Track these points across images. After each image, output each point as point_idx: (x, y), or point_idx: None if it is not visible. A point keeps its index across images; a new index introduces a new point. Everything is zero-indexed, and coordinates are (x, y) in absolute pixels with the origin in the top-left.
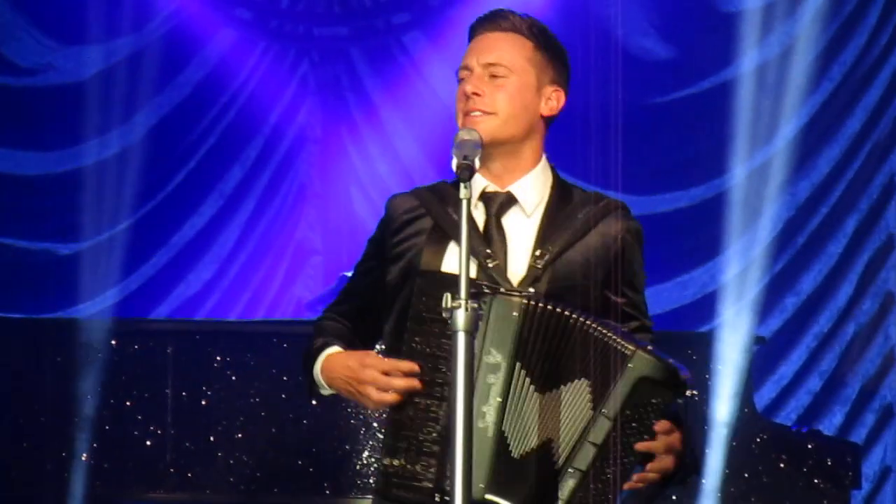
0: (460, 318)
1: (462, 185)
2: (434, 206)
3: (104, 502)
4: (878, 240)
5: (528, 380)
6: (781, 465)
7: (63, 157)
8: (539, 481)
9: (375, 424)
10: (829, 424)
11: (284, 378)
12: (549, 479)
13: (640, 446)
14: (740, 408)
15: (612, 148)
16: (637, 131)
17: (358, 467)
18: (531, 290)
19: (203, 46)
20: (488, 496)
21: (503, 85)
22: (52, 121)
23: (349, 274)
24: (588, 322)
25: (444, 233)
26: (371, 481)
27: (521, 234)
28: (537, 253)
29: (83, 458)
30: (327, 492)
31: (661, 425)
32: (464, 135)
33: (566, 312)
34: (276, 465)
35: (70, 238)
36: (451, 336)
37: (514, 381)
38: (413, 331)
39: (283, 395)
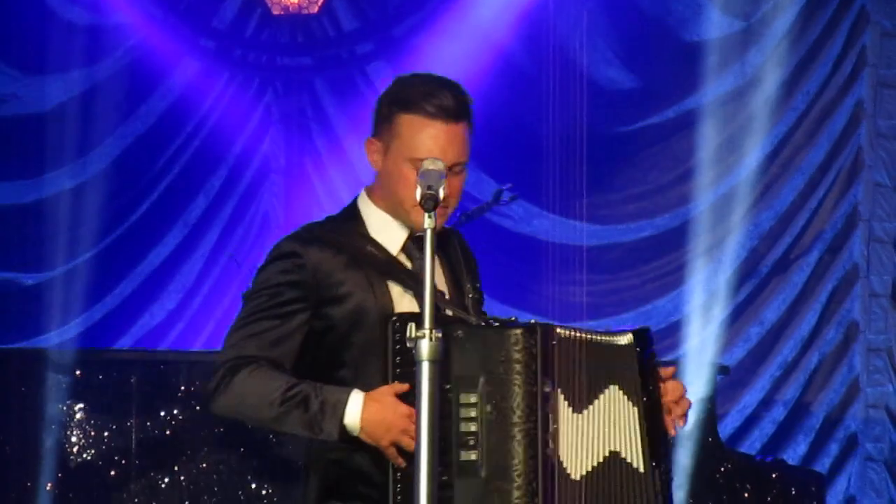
0: (425, 347)
1: (427, 214)
2: (353, 249)
3: None
4: (842, 269)
5: (566, 403)
6: (746, 495)
7: (28, 187)
8: (619, 492)
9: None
10: (794, 454)
11: None
12: (634, 484)
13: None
14: (704, 437)
15: (576, 177)
16: (601, 160)
17: None
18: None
19: (167, 76)
20: None
21: (461, 182)
22: (16, 151)
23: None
24: (596, 337)
25: (377, 274)
26: None
27: (438, 273)
28: (469, 285)
29: (48, 488)
30: None
31: (666, 372)
32: (428, 164)
33: (584, 335)
34: (241, 494)
35: (35, 268)
36: (416, 365)
37: (561, 407)
38: (406, 374)
39: (248, 425)
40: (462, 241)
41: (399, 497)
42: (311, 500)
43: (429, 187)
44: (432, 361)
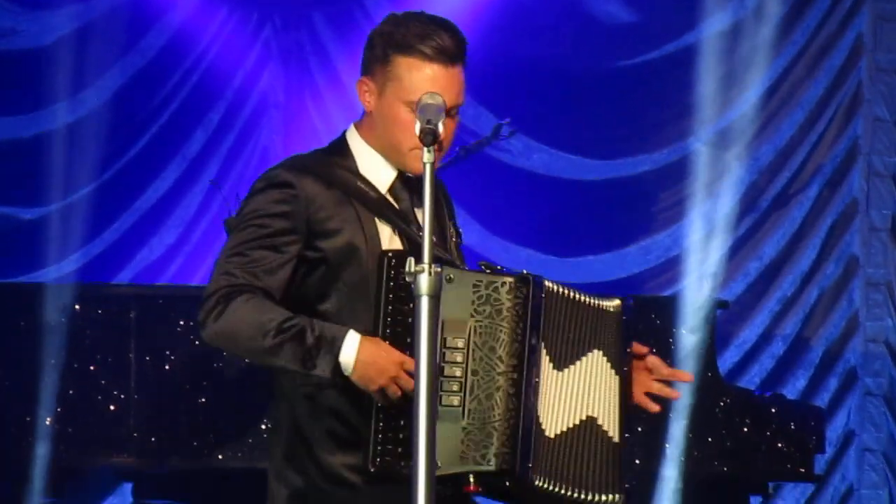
0: (424, 282)
1: (425, 149)
2: (344, 184)
3: (68, 466)
4: (841, 203)
5: (547, 358)
6: (745, 430)
7: (26, 122)
8: (590, 458)
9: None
10: (793, 389)
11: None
12: (606, 453)
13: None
14: (703, 372)
15: (575, 112)
16: (600, 95)
17: None
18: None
19: (166, 10)
20: (536, 479)
21: (454, 125)
22: (15, 85)
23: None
24: (584, 297)
25: (367, 211)
26: None
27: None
28: (452, 227)
29: (47, 423)
30: None
31: (640, 349)
32: (427, 98)
33: (572, 293)
34: (239, 429)
35: (33, 203)
36: (415, 300)
37: (543, 362)
38: (398, 311)
39: (246, 359)
40: (440, 182)
41: (380, 442)
42: (282, 436)
43: (428, 121)
44: (431, 296)
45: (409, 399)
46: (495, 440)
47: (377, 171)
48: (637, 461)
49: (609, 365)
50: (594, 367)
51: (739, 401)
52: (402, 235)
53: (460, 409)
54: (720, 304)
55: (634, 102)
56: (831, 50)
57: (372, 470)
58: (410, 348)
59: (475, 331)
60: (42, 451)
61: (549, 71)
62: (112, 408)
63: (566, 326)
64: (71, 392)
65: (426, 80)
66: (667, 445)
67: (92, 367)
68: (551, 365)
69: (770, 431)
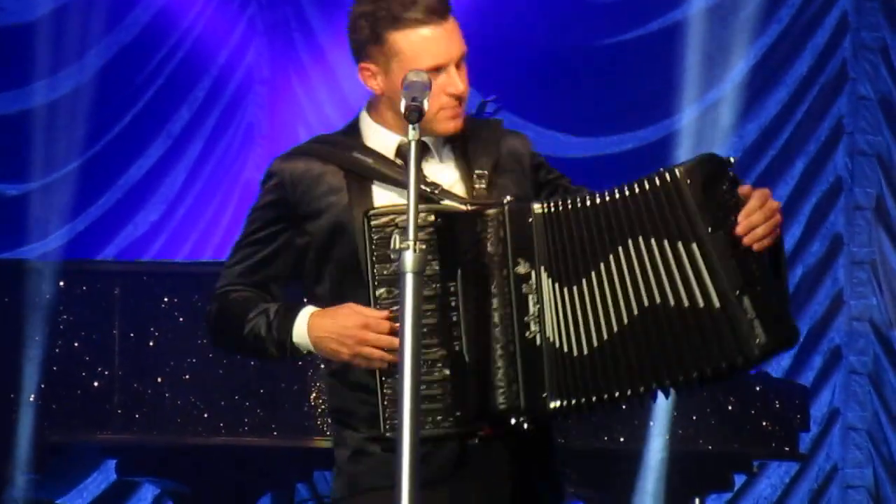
0: (409, 259)
1: (410, 126)
2: (340, 158)
3: (52, 443)
4: (825, 182)
5: (557, 281)
6: (730, 408)
7: (11, 98)
8: (631, 364)
9: (322, 366)
10: (778, 367)
11: None
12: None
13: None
14: None
15: (559, 89)
16: (586, 73)
17: (306, 409)
18: (508, 198)
19: None
20: (553, 405)
21: (465, 72)
22: (0, 61)
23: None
24: (604, 198)
25: (361, 179)
26: (318, 422)
27: (441, 172)
28: (476, 173)
29: (31, 399)
30: (275, 433)
31: (743, 190)
32: (412, 76)
33: (577, 203)
34: (223, 406)
35: (18, 179)
36: (400, 277)
37: (546, 285)
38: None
39: (238, 355)
40: (493, 127)
41: (387, 407)
42: (332, 418)
43: (413, 99)
44: (416, 273)
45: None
46: (500, 379)
47: (383, 141)
48: (621, 439)
49: (665, 241)
50: (637, 260)
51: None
52: (399, 193)
53: (461, 352)
54: None
55: (619, 80)
56: (815, 28)
57: (388, 436)
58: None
59: (464, 273)
60: (26, 428)
61: (535, 48)
62: (96, 384)
63: (572, 242)
64: (55, 368)
65: (427, 43)
66: (651, 423)
67: (76, 344)
68: (559, 286)
69: (754, 410)
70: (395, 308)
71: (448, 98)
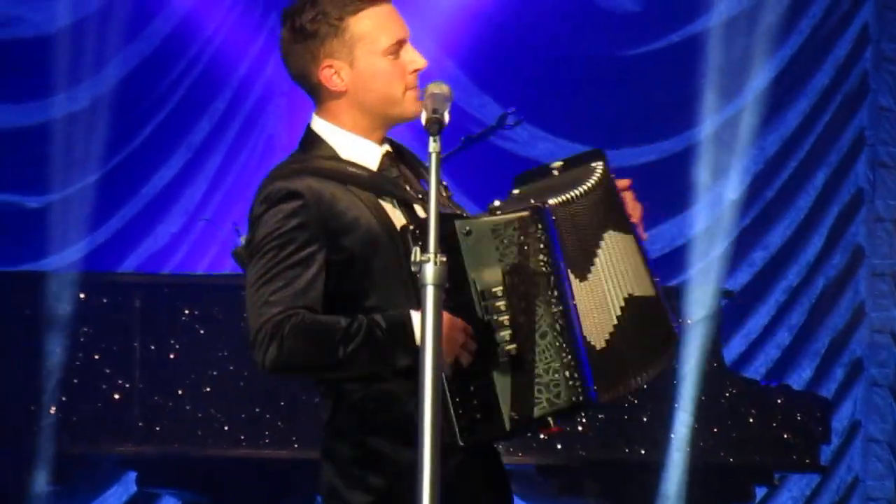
0: (429, 272)
1: (431, 138)
2: (340, 174)
3: (73, 455)
4: (847, 193)
5: (573, 275)
6: (750, 420)
7: (32, 110)
8: (642, 334)
9: None
10: (799, 379)
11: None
12: (653, 314)
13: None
14: (709, 362)
15: (579, 100)
16: (606, 85)
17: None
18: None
19: None
20: (604, 397)
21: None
22: (20, 73)
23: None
24: (575, 190)
25: (367, 193)
26: None
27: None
28: (444, 183)
29: (51, 412)
30: (296, 445)
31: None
32: (433, 87)
33: (567, 195)
34: (244, 418)
35: (39, 191)
36: (421, 289)
37: (564, 284)
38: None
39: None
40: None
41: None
42: (339, 429)
43: (434, 110)
44: (437, 286)
45: (475, 363)
46: (560, 376)
47: (361, 152)
48: (642, 451)
49: (621, 234)
50: (612, 250)
51: (745, 391)
52: (401, 206)
53: (518, 356)
54: (726, 294)
55: (639, 91)
56: (836, 39)
57: (462, 444)
58: (452, 312)
59: (508, 275)
60: (47, 440)
61: (555, 60)
62: (116, 396)
63: (575, 234)
64: (75, 381)
65: (387, 18)
66: (672, 435)
67: (96, 356)
68: (578, 280)
69: (776, 422)
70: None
71: (413, 76)
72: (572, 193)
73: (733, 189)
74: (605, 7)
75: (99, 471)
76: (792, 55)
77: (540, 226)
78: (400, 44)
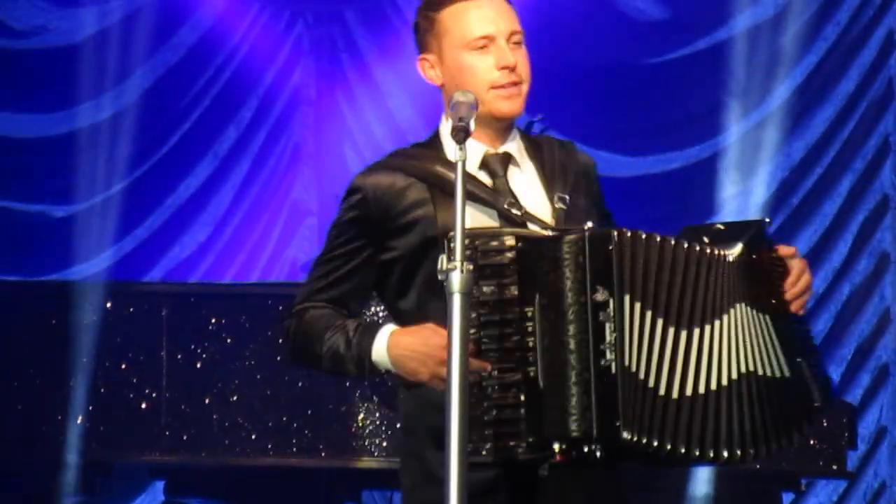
0: (455, 280)
1: (457, 146)
2: (422, 171)
3: (100, 464)
4: (872, 199)
5: (649, 312)
6: None
7: (58, 120)
8: (748, 413)
9: (367, 384)
10: None
11: (279, 340)
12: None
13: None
14: None
15: (605, 108)
16: (632, 92)
17: (353, 429)
18: (589, 224)
19: (197, 7)
20: (626, 435)
21: (525, 53)
22: (47, 83)
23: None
24: (681, 241)
25: (445, 194)
26: (366, 442)
27: (526, 186)
28: (557, 195)
29: (79, 421)
30: (323, 454)
31: (785, 251)
32: (459, 96)
33: (659, 237)
34: (271, 426)
35: (65, 200)
36: (447, 297)
37: (628, 316)
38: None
39: (278, 357)
40: (590, 158)
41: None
42: (403, 437)
43: (460, 119)
44: (463, 294)
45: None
46: (574, 406)
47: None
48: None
49: (755, 310)
50: (738, 321)
51: None
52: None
53: (536, 376)
54: None
55: (665, 99)
56: (861, 46)
57: (490, 459)
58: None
59: (542, 298)
60: (74, 449)
61: (581, 68)
62: (143, 405)
63: (663, 274)
64: (102, 390)
65: (471, 13)
66: None
67: (123, 366)
68: (650, 317)
69: None
70: (471, 331)
71: (500, 73)
72: (665, 239)
73: (759, 196)
74: (632, 15)
75: (126, 480)
76: (817, 62)
77: (581, 246)
78: (488, 39)
